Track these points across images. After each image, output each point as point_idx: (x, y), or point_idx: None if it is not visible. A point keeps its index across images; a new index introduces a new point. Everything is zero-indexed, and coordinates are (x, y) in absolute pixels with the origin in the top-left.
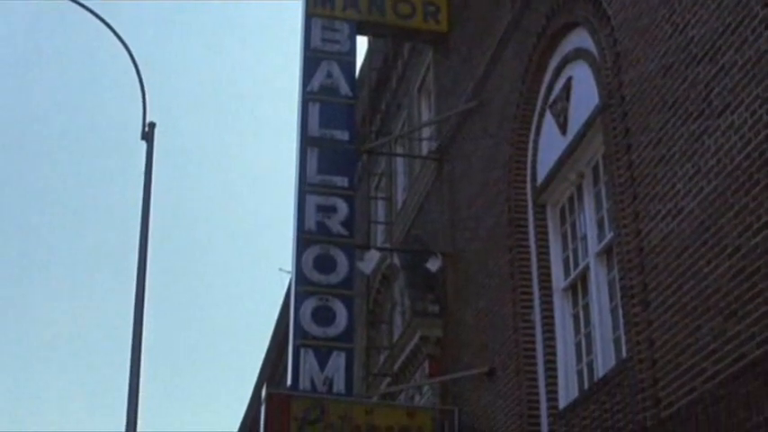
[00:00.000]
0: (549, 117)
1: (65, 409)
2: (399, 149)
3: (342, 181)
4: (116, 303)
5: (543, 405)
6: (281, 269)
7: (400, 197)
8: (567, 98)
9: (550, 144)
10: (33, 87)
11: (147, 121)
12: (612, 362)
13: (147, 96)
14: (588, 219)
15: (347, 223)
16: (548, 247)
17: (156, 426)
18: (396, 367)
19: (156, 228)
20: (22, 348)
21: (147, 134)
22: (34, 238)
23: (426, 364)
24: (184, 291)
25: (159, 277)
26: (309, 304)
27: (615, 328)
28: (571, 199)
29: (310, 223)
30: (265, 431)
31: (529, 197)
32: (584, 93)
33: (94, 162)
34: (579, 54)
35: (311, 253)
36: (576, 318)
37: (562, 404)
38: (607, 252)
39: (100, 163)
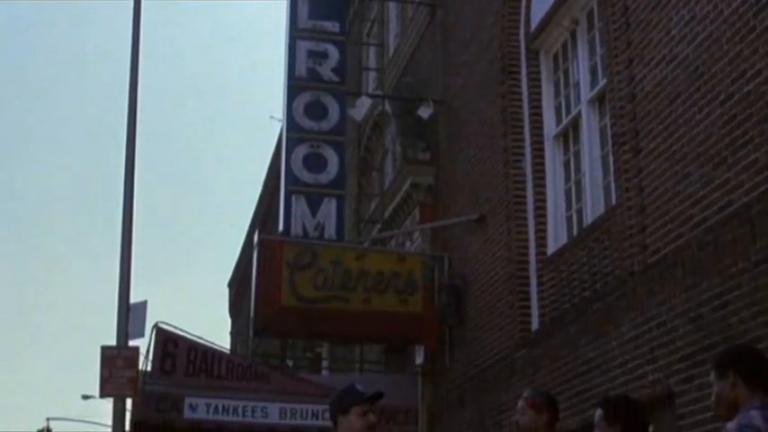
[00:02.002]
0: None
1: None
2: None
3: (333, 26)
4: (108, 160)
5: (532, 251)
6: (272, 117)
7: (392, 43)
8: None
9: None
10: None
11: None
12: (601, 209)
13: None
14: (581, 65)
15: (338, 69)
16: (540, 94)
17: (151, 278)
18: (387, 214)
19: (145, 76)
20: (18, 205)
21: None
22: (31, 99)
23: (417, 211)
24: (176, 141)
25: (150, 127)
26: (301, 151)
27: (605, 175)
28: (564, 45)
29: (301, 69)
30: (258, 277)
31: (522, 43)
32: None
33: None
34: None
35: (302, 100)
36: (566, 165)
37: (551, 250)
38: (599, 99)
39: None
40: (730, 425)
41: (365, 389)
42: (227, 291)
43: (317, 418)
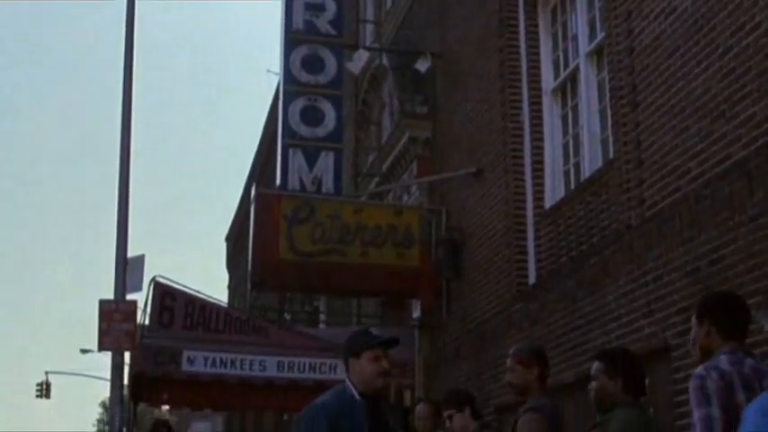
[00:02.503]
0: None
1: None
2: None
3: None
4: (105, 116)
5: (529, 204)
6: (269, 71)
7: None
8: None
9: None
10: None
11: None
12: (599, 162)
13: None
14: (579, 18)
15: (336, 22)
16: (538, 47)
17: (149, 234)
18: (384, 167)
19: (142, 32)
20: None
21: None
22: (31, 50)
23: (414, 165)
24: (173, 96)
25: (147, 83)
26: (298, 104)
27: (603, 128)
28: None
29: (298, 22)
30: (255, 231)
31: None
32: None
33: None
34: None
35: (299, 53)
36: (564, 119)
37: (548, 204)
38: (597, 52)
39: None
40: (698, 368)
41: (380, 333)
42: (224, 245)
43: (315, 372)
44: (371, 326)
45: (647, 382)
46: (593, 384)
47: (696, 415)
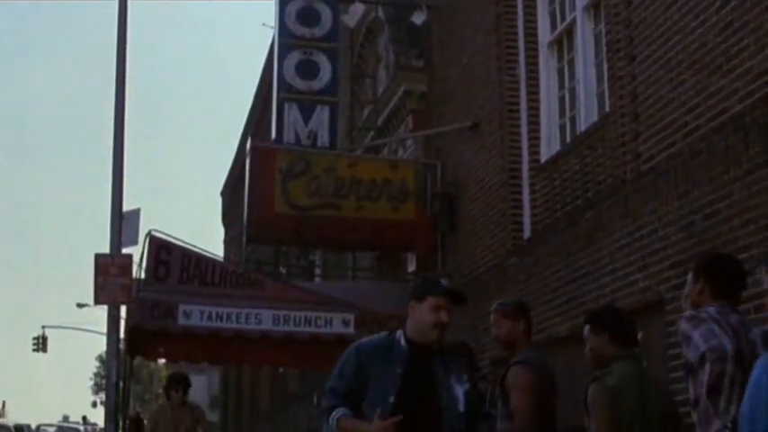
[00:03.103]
0: None
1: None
2: None
3: None
4: (100, 68)
5: (525, 158)
6: (264, 24)
7: None
8: None
9: None
10: None
11: None
12: (595, 116)
13: None
14: None
15: None
16: (534, 0)
17: (144, 190)
18: (380, 121)
19: None
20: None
21: None
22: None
23: (410, 119)
24: (168, 50)
25: (142, 37)
26: (293, 58)
27: (599, 82)
28: None
29: None
30: (251, 184)
31: None
32: None
33: None
34: None
35: (294, 5)
36: (560, 72)
37: (544, 158)
38: (594, 6)
39: None
40: (688, 312)
41: (450, 284)
42: (219, 199)
43: (310, 325)
44: (442, 277)
45: (639, 335)
46: (587, 347)
47: (696, 333)
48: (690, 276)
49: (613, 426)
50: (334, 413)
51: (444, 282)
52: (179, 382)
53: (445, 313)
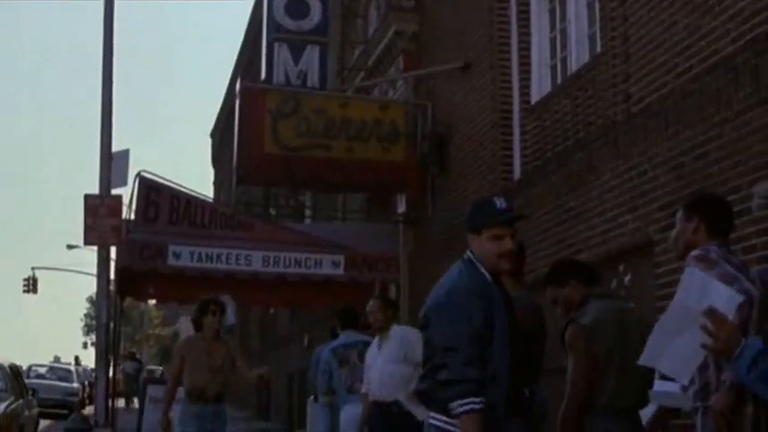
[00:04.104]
0: None
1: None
2: None
3: None
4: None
5: (516, 99)
6: None
7: None
8: None
9: None
10: None
11: None
12: (586, 57)
13: None
14: None
15: None
16: None
17: (134, 131)
18: (370, 62)
19: None
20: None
21: None
22: None
23: (401, 59)
24: None
25: None
26: None
27: (591, 23)
28: None
29: None
30: (240, 125)
31: None
32: None
33: None
34: None
35: None
36: (552, 13)
37: (534, 99)
38: None
39: None
40: (693, 251)
41: (504, 205)
42: (209, 141)
43: (300, 266)
44: (495, 195)
45: (627, 277)
46: (558, 302)
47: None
48: (680, 216)
49: (590, 363)
50: (473, 400)
51: (499, 203)
52: (217, 304)
53: (509, 239)
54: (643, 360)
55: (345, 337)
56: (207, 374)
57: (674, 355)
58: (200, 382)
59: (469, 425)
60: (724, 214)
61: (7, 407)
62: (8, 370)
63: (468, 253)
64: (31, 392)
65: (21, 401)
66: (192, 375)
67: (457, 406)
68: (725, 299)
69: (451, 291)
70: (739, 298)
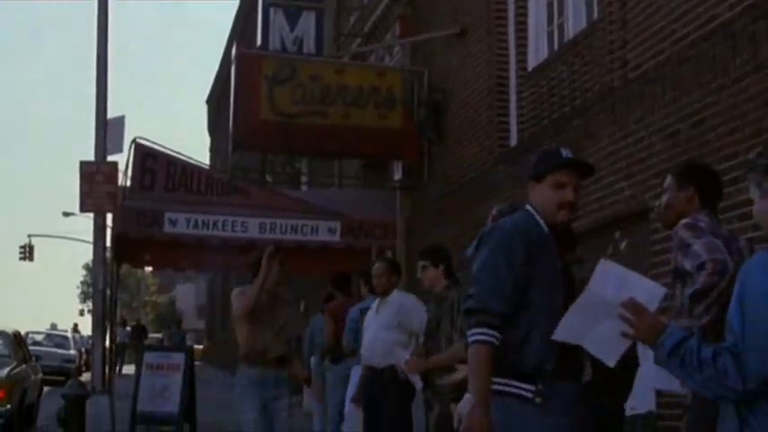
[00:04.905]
0: None
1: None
2: None
3: None
4: None
5: (512, 66)
6: None
7: None
8: None
9: None
10: None
11: None
12: (583, 23)
13: None
14: None
15: None
16: None
17: (129, 98)
18: (366, 28)
19: None
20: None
21: None
22: None
23: (397, 25)
24: None
25: None
26: None
27: None
28: None
29: None
30: (236, 92)
31: None
32: None
33: None
34: None
35: None
36: None
37: (531, 65)
38: None
39: None
40: (683, 220)
41: (570, 155)
42: (205, 108)
43: (297, 233)
44: (562, 146)
45: (623, 243)
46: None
47: (697, 244)
48: (671, 184)
49: None
50: (484, 331)
51: (565, 153)
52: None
53: (570, 190)
54: (556, 336)
55: (372, 299)
56: (269, 336)
57: (597, 341)
58: (262, 344)
59: (472, 357)
60: (716, 185)
61: (11, 371)
62: (12, 336)
63: (527, 205)
64: (34, 359)
65: (24, 366)
66: (252, 336)
67: (469, 335)
68: (645, 291)
69: (499, 226)
70: (661, 291)
